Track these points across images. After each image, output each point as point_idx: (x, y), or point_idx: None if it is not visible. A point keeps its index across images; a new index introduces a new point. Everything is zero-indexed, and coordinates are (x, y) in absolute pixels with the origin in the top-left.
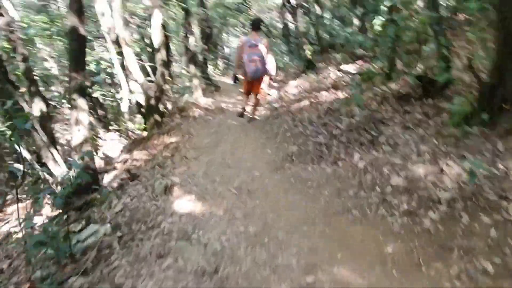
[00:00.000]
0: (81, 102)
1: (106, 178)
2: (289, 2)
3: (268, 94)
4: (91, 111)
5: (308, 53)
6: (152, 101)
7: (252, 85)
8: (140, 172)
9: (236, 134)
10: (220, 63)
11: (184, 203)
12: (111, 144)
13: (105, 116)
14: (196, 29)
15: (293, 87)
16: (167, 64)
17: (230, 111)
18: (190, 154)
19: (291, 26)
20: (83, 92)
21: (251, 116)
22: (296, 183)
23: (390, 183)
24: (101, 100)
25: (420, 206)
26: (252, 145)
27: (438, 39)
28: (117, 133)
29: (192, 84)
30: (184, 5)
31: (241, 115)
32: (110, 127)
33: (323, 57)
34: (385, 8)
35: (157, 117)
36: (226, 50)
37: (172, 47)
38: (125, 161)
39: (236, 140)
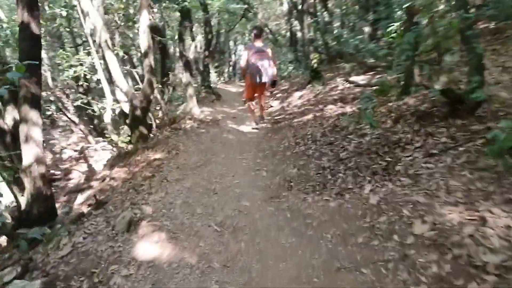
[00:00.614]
0: (34, 115)
1: (79, 199)
2: (296, 9)
3: (270, 105)
4: (85, 118)
5: (314, 62)
6: (138, 112)
7: (258, 89)
8: (110, 197)
9: (230, 152)
10: (225, 71)
11: (150, 246)
12: (101, 154)
13: (99, 124)
14: (196, 35)
15: (297, 98)
16: (162, 71)
17: (227, 123)
18: (173, 175)
19: (299, 34)
20: (35, 103)
21: (259, 115)
22: (292, 220)
23: (412, 231)
24: (95, 108)
25: (457, 272)
26: (245, 165)
27: (472, 46)
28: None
29: (187, 93)
30: (177, 5)
31: (256, 123)
32: (102, 137)
33: (330, 66)
34: (401, 13)
35: (143, 129)
36: (233, 58)
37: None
38: (103, 179)
39: (229, 158)
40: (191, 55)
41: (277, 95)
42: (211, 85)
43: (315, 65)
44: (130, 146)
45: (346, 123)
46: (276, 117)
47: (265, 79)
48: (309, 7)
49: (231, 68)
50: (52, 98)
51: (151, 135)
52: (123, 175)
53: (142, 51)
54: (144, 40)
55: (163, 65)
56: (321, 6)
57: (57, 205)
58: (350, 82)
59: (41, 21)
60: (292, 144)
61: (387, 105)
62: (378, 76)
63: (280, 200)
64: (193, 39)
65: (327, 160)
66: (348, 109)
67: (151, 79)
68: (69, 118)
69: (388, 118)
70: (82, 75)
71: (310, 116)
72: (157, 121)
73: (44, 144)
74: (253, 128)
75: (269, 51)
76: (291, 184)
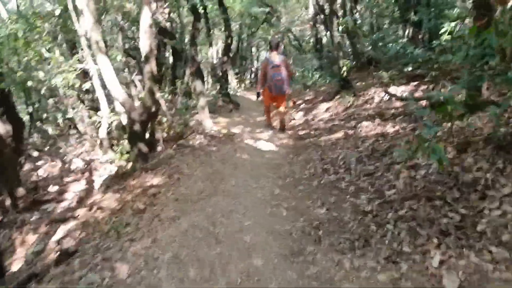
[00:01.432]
0: None
1: (58, 234)
2: (322, 13)
3: (293, 118)
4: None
5: (344, 69)
6: (137, 127)
7: (275, 100)
8: (83, 242)
9: (242, 177)
10: (247, 77)
11: None
12: (108, 168)
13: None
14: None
15: (324, 110)
16: (173, 78)
17: (243, 139)
18: (168, 210)
19: (325, 39)
20: None
21: (280, 128)
22: None
23: None
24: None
25: None
26: (261, 197)
27: None
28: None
29: (198, 104)
30: (186, 1)
31: (270, 126)
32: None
33: (361, 75)
34: (458, 11)
35: (142, 147)
36: (255, 64)
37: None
38: (91, 207)
39: (240, 186)
40: (210, 60)
41: (301, 106)
42: (230, 93)
43: (345, 73)
44: (129, 164)
45: (389, 147)
46: (299, 132)
47: (282, 92)
48: (338, 9)
49: (252, 75)
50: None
51: (157, 149)
52: (113, 204)
53: (143, 55)
54: (145, 42)
55: (174, 72)
56: (350, 7)
57: (33, 238)
58: (390, 95)
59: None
60: (320, 171)
61: (442, 126)
62: (423, 88)
63: (305, 259)
64: (211, 44)
65: (368, 200)
66: (390, 128)
67: (153, 88)
68: (75, 127)
69: (448, 144)
70: (71, 83)
71: (340, 134)
72: (164, 135)
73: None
74: (268, 127)
75: (285, 62)
76: (320, 233)
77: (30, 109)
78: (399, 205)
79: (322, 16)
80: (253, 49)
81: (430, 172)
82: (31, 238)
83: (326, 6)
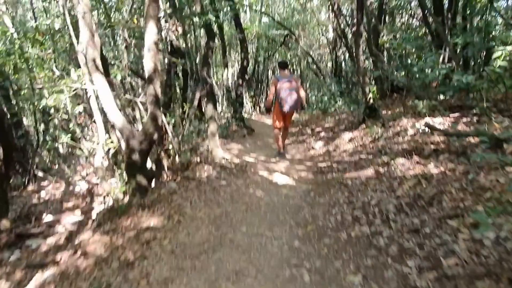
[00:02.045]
0: None
1: (31, 285)
2: (343, 36)
3: (312, 147)
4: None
5: (370, 96)
6: (136, 156)
7: (286, 117)
8: None
9: (255, 222)
10: (262, 101)
11: None
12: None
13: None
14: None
15: (347, 141)
16: (183, 100)
17: (257, 169)
18: (161, 268)
19: (344, 63)
20: None
21: (282, 147)
22: None
23: None
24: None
25: None
26: (276, 252)
27: None
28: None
29: (208, 130)
30: (197, 18)
31: (281, 154)
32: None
33: (385, 102)
34: None
35: (141, 179)
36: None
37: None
38: (76, 250)
39: (251, 235)
40: (225, 83)
41: (321, 134)
42: (244, 117)
43: (371, 100)
44: (127, 198)
45: (435, 194)
46: (319, 164)
47: (294, 108)
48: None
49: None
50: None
51: (159, 180)
52: (99, 250)
53: (146, 75)
54: (148, 61)
55: (184, 94)
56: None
57: (5, 287)
58: (431, 128)
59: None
60: (349, 219)
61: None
62: (465, 120)
63: None
64: (226, 65)
65: (418, 269)
66: (433, 168)
67: (156, 113)
68: (79, 147)
69: None
70: (63, 105)
71: (370, 172)
72: (167, 164)
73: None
74: (276, 156)
75: (296, 80)
76: None
77: (41, 127)
78: (468, 286)
79: (343, 40)
80: (269, 73)
81: (503, 237)
82: (3, 286)
83: (348, 30)
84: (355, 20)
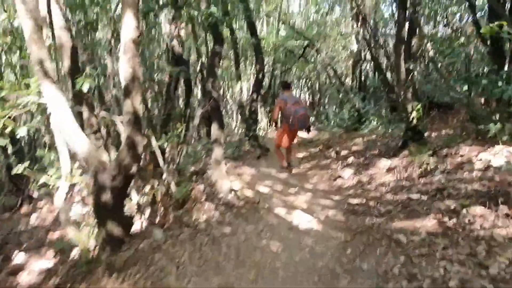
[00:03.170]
0: None
1: None
2: (369, 47)
3: (339, 175)
4: None
5: (414, 115)
6: (106, 196)
7: (293, 135)
8: None
9: None
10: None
11: None
12: None
13: None
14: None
15: (385, 170)
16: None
17: (272, 207)
18: None
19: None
20: None
21: (287, 160)
22: None
23: None
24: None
25: None
26: None
27: None
28: None
29: (212, 156)
30: (198, 13)
31: (287, 168)
32: None
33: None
34: None
35: (113, 227)
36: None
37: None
38: None
39: None
40: (238, 97)
41: (348, 160)
42: (259, 135)
43: (414, 120)
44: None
45: None
46: (351, 200)
47: (303, 126)
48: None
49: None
50: None
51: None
52: None
53: (122, 86)
54: (125, 66)
55: (186, 110)
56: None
57: None
58: None
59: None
60: None
61: None
62: None
63: None
64: (239, 78)
65: None
66: None
67: (134, 137)
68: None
69: None
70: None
71: (430, 223)
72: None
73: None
74: (282, 168)
75: (302, 100)
76: None
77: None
78: None
79: (371, 51)
80: None
81: None
82: None
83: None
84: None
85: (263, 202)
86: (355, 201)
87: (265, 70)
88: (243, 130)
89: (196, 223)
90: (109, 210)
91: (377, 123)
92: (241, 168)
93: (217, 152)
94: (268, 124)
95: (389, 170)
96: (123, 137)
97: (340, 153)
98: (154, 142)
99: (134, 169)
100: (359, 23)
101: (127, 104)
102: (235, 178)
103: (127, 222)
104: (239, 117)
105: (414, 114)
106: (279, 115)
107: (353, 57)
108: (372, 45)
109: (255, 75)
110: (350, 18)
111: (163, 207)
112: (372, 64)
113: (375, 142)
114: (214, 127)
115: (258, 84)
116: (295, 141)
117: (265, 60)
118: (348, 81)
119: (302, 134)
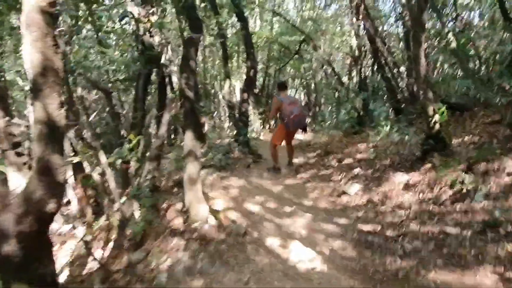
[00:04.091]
0: None
1: None
2: (372, 42)
3: (343, 191)
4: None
5: (436, 119)
6: (9, 247)
7: (291, 135)
8: None
9: None
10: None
11: None
12: (70, 245)
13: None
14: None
15: (402, 187)
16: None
17: (263, 235)
18: None
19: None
20: None
21: (288, 161)
22: None
23: None
24: None
25: None
26: None
27: None
28: None
29: (185, 174)
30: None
31: (277, 170)
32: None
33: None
34: None
35: None
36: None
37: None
38: None
39: None
40: (226, 96)
41: (354, 171)
42: (251, 138)
43: (437, 125)
44: None
45: None
46: (363, 226)
47: (300, 126)
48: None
49: (278, 113)
50: None
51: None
52: None
53: (29, 81)
54: (30, 48)
55: (140, 116)
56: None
57: None
58: None
59: None
60: None
61: None
62: None
63: None
64: (228, 76)
65: None
66: None
67: (51, 159)
68: None
69: None
70: None
71: (488, 279)
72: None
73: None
74: (274, 171)
75: (298, 100)
76: None
77: None
78: None
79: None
80: None
81: None
82: None
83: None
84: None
85: (252, 229)
86: (367, 227)
87: (258, 68)
88: (233, 133)
89: (154, 275)
90: (16, 267)
91: (390, 128)
92: (229, 180)
93: (191, 169)
94: (262, 126)
95: (408, 187)
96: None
97: (342, 161)
98: (103, 159)
99: (51, 206)
100: (360, 16)
101: (36, 108)
102: (221, 192)
103: (45, 281)
104: (227, 120)
105: (436, 117)
106: (276, 116)
107: (353, 54)
108: (375, 39)
109: (246, 72)
110: (350, 12)
111: (112, 247)
112: (372, 61)
113: (383, 149)
114: (188, 137)
115: (249, 82)
116: (293, 142)
117: (258, 57)
118: (347, 79)
119: (298, 136)
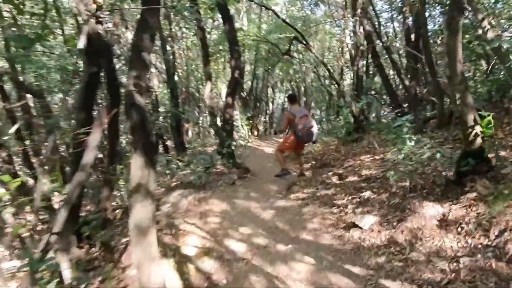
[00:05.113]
0: None
1: None
2: (368, 40)
3: (353, 223)
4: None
5: (477, 130)
6: None
7: (302, 146)
8: None
9: None
10: (260, 122)
11: None
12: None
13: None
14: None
15: (438, 223)
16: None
17: None
18: None
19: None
20: None
21: (300, 172)
22: None
23: None
24: None
25: None
26: None
27: None
28: None
29: (130, 221)
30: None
31: (287, 173)
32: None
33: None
34: None
35: None
36: (271, 106)
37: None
38: None
39: None
40: (207, 100)
41: (364, 194)
42: (235, 150)
43: (478, 141)
44: None
45: None
46: (388, 283)
47: (312, 139)
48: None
49: (267, 117)
50: None
51: None
52: None
53: None
54: None
55: (113, 140)
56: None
57: None
58: None
59: None
60: None
61: None
62: None
63: None
64: (209, 77)
65: None
66: None
67: None
68: None
69: None
70: None
71: None
72: None
73: None
74: (284, 175)
75: (310, 113)
76: None
77: None
78: None
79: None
80: (269, 90)
81: None
82: None
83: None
84: None
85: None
86: (395, 286)
87: (242, 68)
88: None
89: None
90: None
91: (415, 142)
92: (209, 203)
93: (140, 213)
94: (250, 132)
95: (446, 224)
96: None
97: (345, 178)
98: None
99: None
100: (358, 11)
101: None
102: (197, 222)
103: None
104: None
105: (477, 129)
106: (287, 128)
107: (350, 52)
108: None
109: (231, 74)
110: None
111: None
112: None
113: (395, 166)
114: (136, 163)
115: (234, 85)
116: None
117: (245, 57)
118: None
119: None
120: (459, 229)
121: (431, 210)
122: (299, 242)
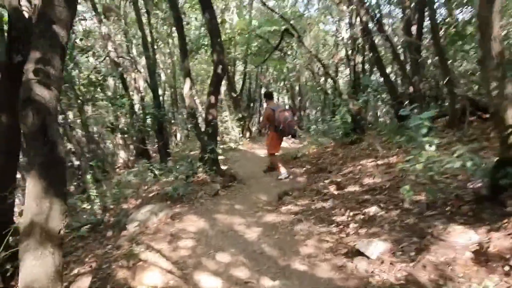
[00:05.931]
0: None
1: None
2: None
3: (356, 249)
4: None
5: None
6: None
7: (281, 140)
8: None
9: None
10: (254, 123)
11: None
12: None
13: None
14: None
15: (472, 256)
16: None
17: None
18: None
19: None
20: None
21: (268, 167)
22: None
23: None
24: None
25: None
26: None
27: None
28: None
29: (21, 280)
30: None
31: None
32: None
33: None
34: None
35: None
36: (264, 106)
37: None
38: None
39: None
40: (186, 100)
41: (369, 209)
42: (218, 156)
43: None
44: None
45: None
46: None
47: (293, 132)
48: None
49: (261, 118)
50: None
51: None
52: None
53: None
54: None
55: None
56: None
57: None
58: None
59: None
60: None
61: None
62: None
63: None
64: (187, 74)
65: None
66: None
67: None
68: None
69: None
70: None
71: None
72: None
73: None
74: (285, 178)
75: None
76: None
77: None
78: None
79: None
80: (263, 90)
81: None
82: None
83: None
84: None
85: None
86: None
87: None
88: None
89: None
90: None
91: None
92: (184, 220)
93: (33, 270)
94: (241, 134)
95: (484, 258)
96: None
97: (344, 187)
98: None
99: None
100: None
101: None
102: (165, 247)
103: None
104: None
105: None
106: (267, 125)
107: (344, 47)
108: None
109: (213, 69)
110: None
111: None
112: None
113: (404, 175)
114: (30, 192)
115: (216, 82)
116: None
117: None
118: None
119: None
120: (507, 267)
121: (462, 238)
122: (290, 275)
